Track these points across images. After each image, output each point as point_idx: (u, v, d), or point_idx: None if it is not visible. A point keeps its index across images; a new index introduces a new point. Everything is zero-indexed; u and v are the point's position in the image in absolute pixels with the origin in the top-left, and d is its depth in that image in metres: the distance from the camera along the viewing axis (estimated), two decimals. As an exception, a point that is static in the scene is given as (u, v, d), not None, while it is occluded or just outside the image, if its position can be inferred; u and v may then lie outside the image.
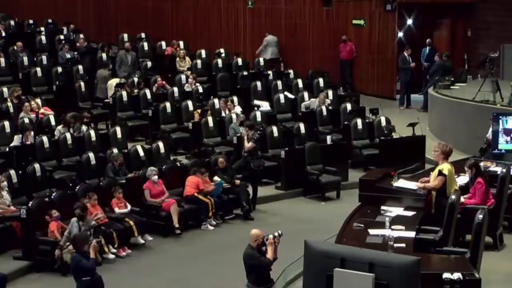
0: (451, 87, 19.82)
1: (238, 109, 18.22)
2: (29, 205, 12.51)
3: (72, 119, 16.28)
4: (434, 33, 23.79)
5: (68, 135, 15.63)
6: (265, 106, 19.13)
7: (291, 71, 22.12)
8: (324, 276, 6.76)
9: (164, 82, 19.92)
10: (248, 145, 15.13)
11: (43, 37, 23.57)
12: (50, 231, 12.27)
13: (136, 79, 19.95)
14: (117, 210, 13.31)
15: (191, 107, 18.34)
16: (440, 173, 10.76)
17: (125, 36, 24.74)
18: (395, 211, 10.47)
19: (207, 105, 18.62)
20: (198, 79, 20.68)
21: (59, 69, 20.31)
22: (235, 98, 18.77)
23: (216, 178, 14.87)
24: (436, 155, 11.26)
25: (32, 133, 15.44)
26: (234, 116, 17.56)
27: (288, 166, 16.01)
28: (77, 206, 12.10)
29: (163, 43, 23.93)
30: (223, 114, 18.00)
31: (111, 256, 12.61)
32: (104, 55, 22.09)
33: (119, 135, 16.49)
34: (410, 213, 10.44)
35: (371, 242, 9.29)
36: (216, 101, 18.84)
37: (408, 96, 22.40)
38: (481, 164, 12.83)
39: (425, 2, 23.16)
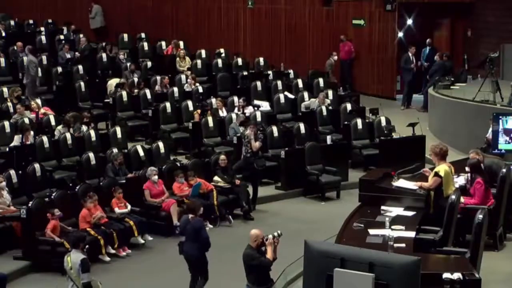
0: (451, 87, 19.82)
1: (250, 108, 18.29)
2: (29, 205, 12.52)
3: (72, 119, 16.29)
4: (434, 33, 23.79)
5: (68, 135, 15.64)
6: (265, 106, 19.14)
7: (291, 71, 22.12)
8: (324, 276, 6.76)
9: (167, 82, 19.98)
10: (256, 144, 15.11)
11: (43, 37, 23.58)
12: (46, 231, 12.23)
13: (136, 79, 19.96)
14: (117, 210, 13.32)
15: (191, 107, 18.35)
16: (436, 174, 10.76)
17: (125, 36, 24.78)
18: (395, 211, 10.46)
19: (207, 105, 18.65)
20: (198, 79, 20.69)
21: (59, 69, 20.32)
22: (235, 98, 18.82)
23: (215, 178, 14.90)
24: (432, 158, 11.27)
25: (32, 133, 15.44)
26: (234, 116, 17.57)
27: (288, 166, 16.02)
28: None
29: (163, 43, 23.94)
30: (220, 114, 18.01)
31: (107, 258, 12.60)
32: (104, 55, 22.11)
33: (119, 135, 16.50)
34: (410, 213, 10.44)
35: (371, 242, 9.28)
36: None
37: (410, 96, 22.41)
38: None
39: (425, 2, 23.18)
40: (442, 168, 10.76)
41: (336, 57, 22.63)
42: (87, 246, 10.20)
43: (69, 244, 10.77)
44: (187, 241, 10.85)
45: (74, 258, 9.87)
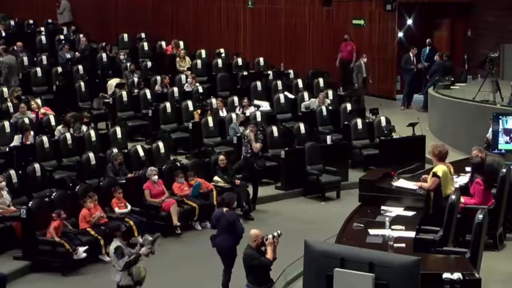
0: (451, 87, 19.81)
1: (252, 108, 18.30)
2: (29, 205, 12.52)
3: (72, 119, 16.29)
4: (434, 33, 23.80)
5: (68, 135, 15.65)
6: (265, 106, 19.14)
7: (291, 71, 22.13)
8: (324, 276, 6.76)
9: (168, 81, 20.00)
10: (257, 145, 15.10)
11: (43, 37, 23.60)
12: (49, 230, 12.24)
13: (136, 79, 19.96)
14: (117, 210, 13.33)
15: (191, 107, 18.35)
16: (434, 174, 10.76)
17: (125, 36, 24.79)
18: (395, 211, 10.46)
19: (207, 105, 18.65)
20: (198, 79, 20.70)
21: (59, 69, 20.32)
22: (235, 98, 18.83)
23: (215, 178, 14.90)
24: (431, 158, 11.27)
25: (32, 133, 15.45)
26: (234, 116, 17.57)
27: (288, 166, 16.02)
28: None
29: (163, 43, 23.95)
30: (221, 114, 18.03)
31: (107, 258, 12.60)
32: (104, 55, 22.11)
33: (119, 135, 16.50)
34: (410, 213, 10.44)
35: (371, 242, 9.29)
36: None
37: (410, 96, 22.41)
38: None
39: (425, 2, 23.18)
40: (440, 169, 10.76)
41: (365, 59, 21.87)
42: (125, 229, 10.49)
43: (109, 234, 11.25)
44: (220, 234, 11.06)
45: (112, 246, 10.17)
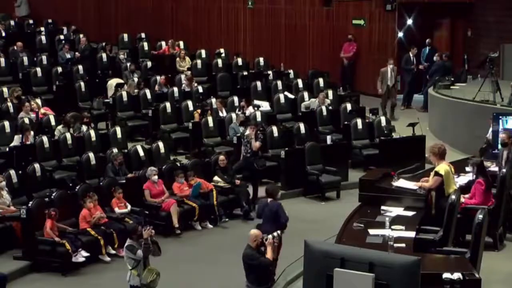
0: (451, 87, 19.82)
1: (250, 109, 18.31)
2: (29, 205, 12.51)
3: (72, 119, 16.29)
4: (434, 33, 23.80)
5: (68, 135, 15.64)
6: (265, 106, 19.13)
7: (291, 71, 22.12)
8: (324, 276, 6.76)
9: (165, 80, 19.97)
10: (256, 144, 15.09)
11: (43, 37, 23.58)
12: (45, 230, 12.23)
13: (136, 79, 19.96)
14: (117, 210, 13.32)
15: (191, 107, 18.35)
16: (437, 173, 10.76)
17: (125, 36, 24.79)
18: (395, 211, 10.46)
19: (207, 105, 18.65)
20: (198, 79, 20.68)
21: (59, 69, 20.32)
22: (235, 98, 18.82)
23: (215, 178, 14.90)
24: (431, 158, 11.28)
25: (32, 133, 15.44)
26: (234, 116, 17.57)
27: (288, 166, 16.01)
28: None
29: (163, 43, 23.96)
30: (220, 114, 18.03)
31: (107, 258, 12.62)
32: (104, 55, 22.11)
33: (119, 135, 16.50)
34: (410, 213, 10.44)
35: (371, 242, 9.29)
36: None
37: (410, 96, 22.39)
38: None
39: (425, 2, 23.18)
40: (442, 168, 10.77)
41: (392, 66, 21.27)
42: (147, 227, 10.36)
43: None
44: (265, 223, 11.25)
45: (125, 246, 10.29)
